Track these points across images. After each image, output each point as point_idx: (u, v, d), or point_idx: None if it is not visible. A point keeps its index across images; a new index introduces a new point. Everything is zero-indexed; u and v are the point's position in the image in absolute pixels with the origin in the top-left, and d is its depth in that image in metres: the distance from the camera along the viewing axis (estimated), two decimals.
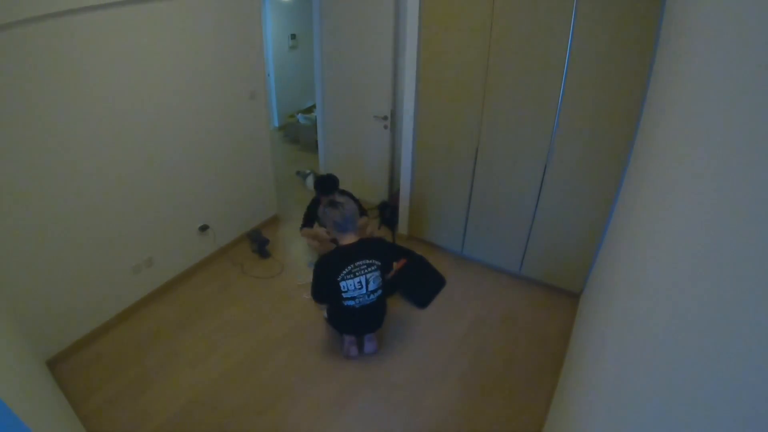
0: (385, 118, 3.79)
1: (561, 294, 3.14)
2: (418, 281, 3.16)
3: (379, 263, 2.40)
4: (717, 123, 0.91)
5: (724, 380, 0.60)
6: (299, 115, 5.84)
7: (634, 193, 1.90)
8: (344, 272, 2.31)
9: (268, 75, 5.83)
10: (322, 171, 4.59)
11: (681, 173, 1.11)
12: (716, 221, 0.77)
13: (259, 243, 3.52)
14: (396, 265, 3.23)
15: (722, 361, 0.62)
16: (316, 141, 4.67)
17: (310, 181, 2.87)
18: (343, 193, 3.06)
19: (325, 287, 2.37)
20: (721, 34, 1.05)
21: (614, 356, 1.27)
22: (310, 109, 6.06)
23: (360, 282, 2.35)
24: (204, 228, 3.31)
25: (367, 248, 2.39)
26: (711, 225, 0.79)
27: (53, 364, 2.52)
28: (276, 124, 6.37)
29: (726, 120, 0.86)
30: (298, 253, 3.61)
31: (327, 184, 3.10)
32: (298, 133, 5.81)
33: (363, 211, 3.25)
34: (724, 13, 1.06)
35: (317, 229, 3.22)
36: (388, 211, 3.81)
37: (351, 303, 2.39)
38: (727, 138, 0.83)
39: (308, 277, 2.28)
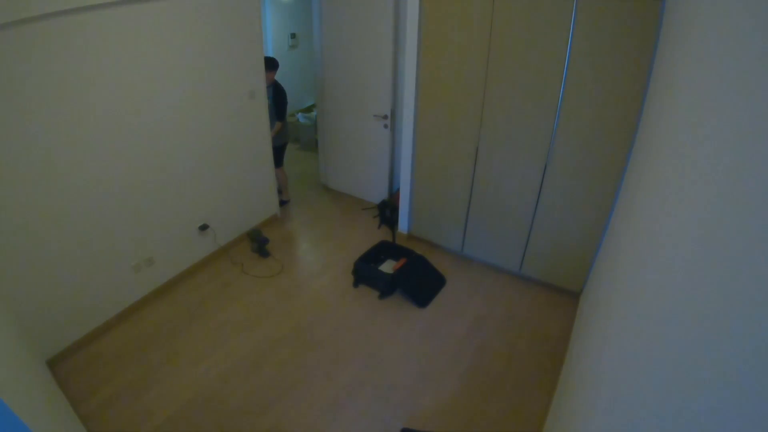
0: (385, 117, 3.79)
1: (561, 293, 3.14)
2: (418, 280, 3.16)
3: None
4: (718, 121, 0.91)
5: (723, 380, 0.60)
6: (299, 115, 5.84)
7: (634, 193, 1.90)
8: None
9: None
10: (322, 171, 4.60)
11: (681, 172, 1.11)
12: (716, 221, 0.77)
13: (259, 242, 3.52)
14: (396, 265, 3.23)
15: (722, 360, 0.62)
16: (316, 140, 4.66)
17: None
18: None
19: None
20: (722, 31, 1.04)
21: (614, 356, 1.27)
22: (310, 109, 6.06)
23: None
24: (204, 227, 3.31)
25: None
26: (711, 225, 0.79)
27: (53, 364, 2.52)
28: None
29: (727, 118, 0.85)
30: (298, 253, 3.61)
31: (268, 63, 3.61)
32: (298, 133, 5.80)
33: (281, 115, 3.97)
34: (724, 10, 1.05)
35: None
36: (388, 210, 3.81)
37: None
38: (728, 136, 0.82)
39: None
